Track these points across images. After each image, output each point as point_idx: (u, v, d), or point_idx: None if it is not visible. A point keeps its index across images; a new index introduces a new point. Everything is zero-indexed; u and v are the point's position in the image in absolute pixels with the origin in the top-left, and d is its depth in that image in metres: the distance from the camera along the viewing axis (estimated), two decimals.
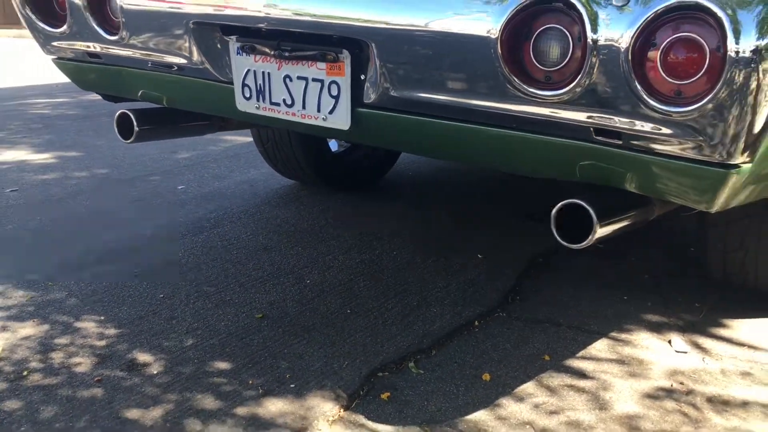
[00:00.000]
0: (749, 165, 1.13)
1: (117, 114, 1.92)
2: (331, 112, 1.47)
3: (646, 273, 2.08)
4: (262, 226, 2.40)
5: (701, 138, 1.08)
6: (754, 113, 1.04)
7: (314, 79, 1.47)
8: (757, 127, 1.07)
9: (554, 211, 1.28)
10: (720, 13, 1.01)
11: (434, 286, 1.96)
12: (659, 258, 2.18)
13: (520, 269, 2.07)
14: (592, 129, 1.20)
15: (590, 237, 1.26)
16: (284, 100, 1.53)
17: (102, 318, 1.74)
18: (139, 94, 1.89)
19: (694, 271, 2.05)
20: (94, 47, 1.81)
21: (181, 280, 1.96)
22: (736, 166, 1.11)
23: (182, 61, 1.66)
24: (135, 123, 1.90)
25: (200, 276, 1.99)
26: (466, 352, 1.64)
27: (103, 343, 1.63)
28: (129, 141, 1.92)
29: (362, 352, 1.61)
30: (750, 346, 1.71)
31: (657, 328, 1.78)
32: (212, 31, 1.58)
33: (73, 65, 1.93)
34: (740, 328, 1.79)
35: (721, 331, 1.78)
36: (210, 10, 1.53)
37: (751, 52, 1.00)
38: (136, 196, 2.71)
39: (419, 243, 2.25)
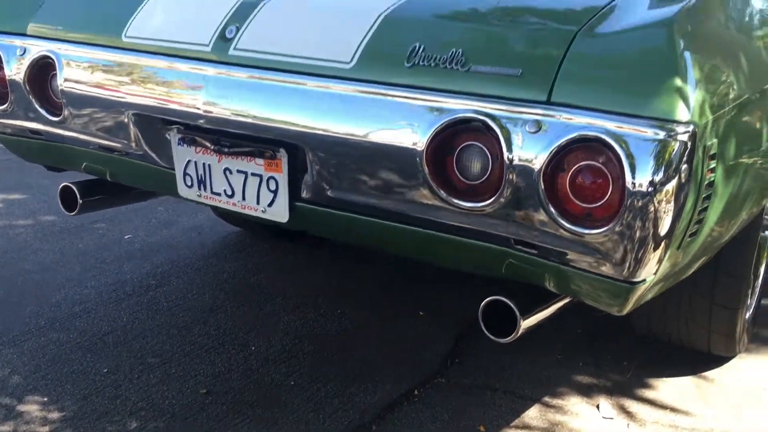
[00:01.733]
0: (654, 276, 1.22)
1: (60, 187, 1.93)
2: (270, 205, 1.52)
3: (580, 329, 2.18)
4: (208, 282, 2.43)
5: (609, 258, 1.17)
6: (655, 237, 1.13)
7: (253, 174, 1.51)
8: (660, 250, 1.16)
9: (481, 306, 1.35)
10: (618, 149, 1.10)
11: (377, 349, 2.02)
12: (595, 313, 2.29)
13: (459, 330, 2.15)
14: (511, 239, 1.28)
15: (515, 333, 1.34)
16: (225, 191, 1.57)
17: (45, 399, 1.75)
18: (83, 167, 1.91)
19: (625, 328, 2.17)
20: (36, 126, 1.82)
21: (125, 350, 1.98)
22: (642, 281, 1.20)
23: (124, 145, 1.69)
24: (78, 196, 1.91)
25: (145, 345, 2.01)
26: (405, 424, 1.71)
27: (46, 429, 1.64)
28: (73, 214, 1.93)
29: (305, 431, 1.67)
30: (672, 409, 1.82)
31: (587, 391, 1.88)
32: (153, 122, 1.61)
33: (14, 140, 1.93)
34: (664, 388, 1.90)
35: (647, 393, 1.88)
36: (150, 103, 1.56)
37: (648, 184, 1.09)
38: (82, 248, 2.70)
39: (365, 300, 2.31)
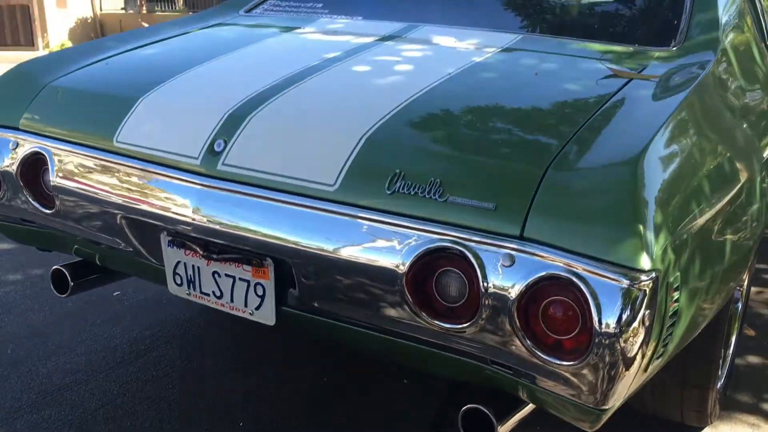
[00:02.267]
0: (623, 398, 1.29)
1: (51, 270, 1.97)
2: (257, 309, 1.58)
3: None
4: (196, 346, 2.47)
5: (579, 388, 1.24)
6: (623, 370, 1.20)
7: (241, 279, 1.57)
8: (627, 379, 1.23)
9: (460, 414, 1.42)
10: (585, 291, 1.17)
11: (358, 421, 2.08)
12: None
13: (443, 396, 2.21)
14: (488, 358, 1.35)
15: None
16: (213, 292, 1.62)
17: None
18: (73, 250, 1.95)
19: None
20: (28, 216, 1.86)
21: (116, 428, 2.02)
22: (612, 406, 1.27)
23: (115, 241, 1.74)
24: (69, 278, 1.96)
25: (135, 423, 2.06)
26: None
27: None
28: (65, 296, 1.98)
29: None
30: None
31: None
32: (144, 223, 1.66)
33: (5, 225, 1.97)
34: None
35: None
36: (141, 208, 1.61)
37: (614, 325, 1.16)
38: (71, 308, 2.74)
39: (349, 365, 2.36)
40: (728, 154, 1.57)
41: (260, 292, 1.56)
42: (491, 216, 1.27)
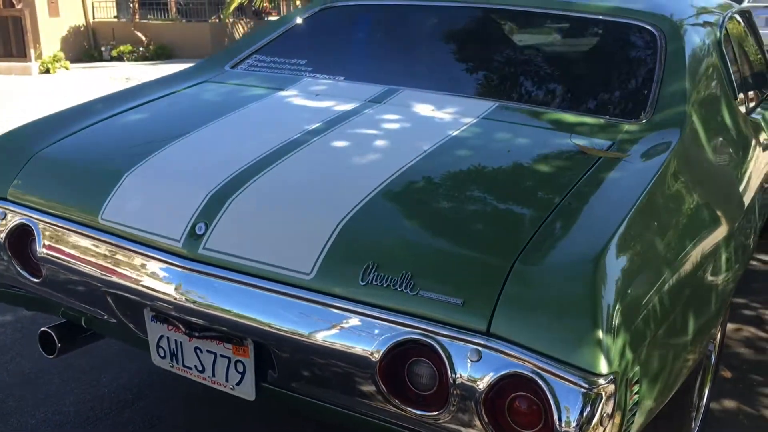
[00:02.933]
0: None
1: (39, 332, 2.02)
2: (238, 384, 1.63)
3: None
4: (182, 394, 2.52)
5: None
6: None
7: (222, 355, 1.62)
8: None
9: None
10: (546, 390, 1.23)
11: None
12: None
13: None
14: None
15: None
16: (195, 366, 1.67)
17: None
18: (60, 312, 2.00)
19: None
20: (15, 283, 1.91)
21: None
22: None
23: (100, 311, 1.79)
24: (57, 340, 2.01)
25: None
26: None
27: None
28: (53, 357, 2.03)
29: None
30: None
31: None
32: (128, 298, 1.71)
33: None
34: None
35: None
36: (125, 284, 1.66)
37: (575, 424, 1.22)
38: None
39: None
40: (694, 235, 1.63)
41: (240, 369, 1.61)
42: (459, 311, 1.33)
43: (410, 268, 1.39)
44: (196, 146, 1.85)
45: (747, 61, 3.19)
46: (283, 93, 2.22)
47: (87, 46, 16.44)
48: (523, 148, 1.79)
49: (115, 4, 17.47)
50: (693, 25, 2.29)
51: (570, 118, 1.93)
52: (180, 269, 1.57)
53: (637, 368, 1.31)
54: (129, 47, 15.51)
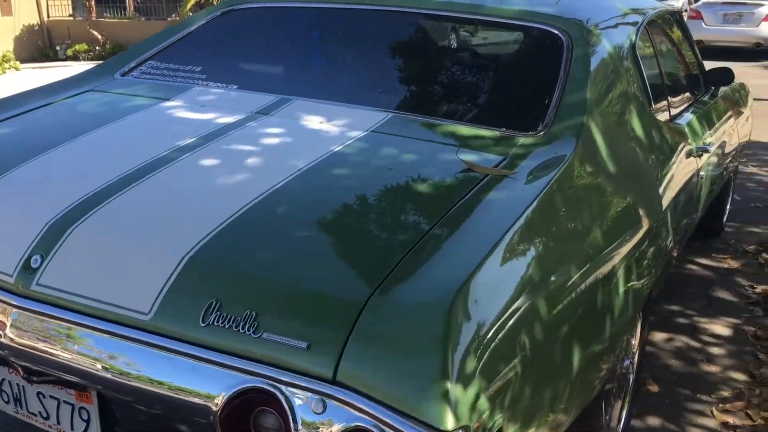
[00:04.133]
0: None
1: None
2: None
3: None
4: None
5: None
6: None
7: (65, 401, 1.46)
8: None
9: None
10: None
11: None
12: None
13: None
14: None
15: None
16: (40, 413, 1.51)
17: None
18: None
19: None
20: None
21: None
22: None
23: None
24: None
25: None
26: None
27: None
28: None
29: None
30: None
31: None
32: None
33: None
34: None
35: None
36: None
37: None
38: None
39: None
40: (583, 257, 1.50)
41: (85, 417, 1.45)
42: (304, 355, 1.19)
43: (255, 306, 1.25)
44: (50, 166, 1.69)
45: (674, 63, 3.11)
46: (167, 104, 2.06)
47: (42, 45, 16.02)
48: (406, 166, 1.65)
49: (70, 2, 17.05)
50: (605, 29, 2.17)
51: (465, 130, 1.80)
52: (12, 307, 1.41)
53: (499, 416, 1.18)
54: (85, 46, 15.12)
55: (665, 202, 2.06)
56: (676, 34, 3.18)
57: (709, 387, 2.72)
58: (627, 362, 2.24)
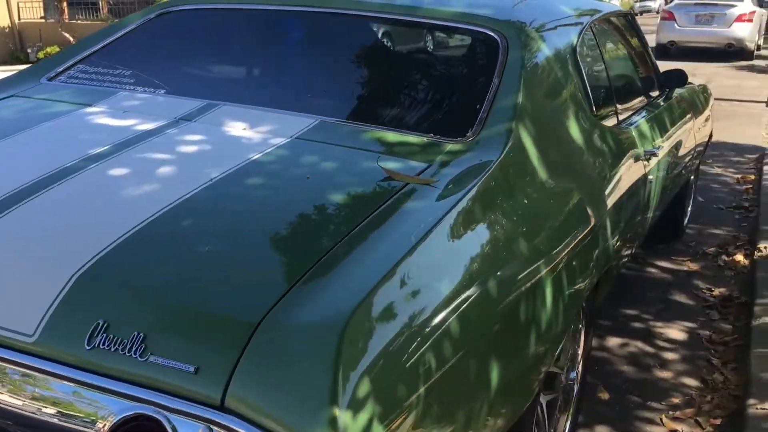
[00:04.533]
0: None
1: None
2: None
3: None
4: None
5: None
6: None
7: None
8: None
9: None
10: None
11: None
12: None
13: None
14: None
15: None
16: None
17: None
18: None
19: None
20: None
21: None
22: None
23: None
24: None
25: None
26: None
27: None
28: None
29: None
30: None
31: None
32: None
33: None
34: None
35: None
36: None
37: None
38: None
39: None
40: (502, 269, 1.44)
41: None
42: (192, 380, 1.12)
43: (143, 328, 1.17)
44: None
45: (625, 67, 3.07)
46: (87, 110, 1.97)
47: (13, 48, 15.81)
48: (324, 175, 1.58)
49: (42, 4, 16.83)
50: (544, 32, 2.12)
51: (392, 137, 1.74)
52: None
53: None
54: (57, 48, 14.90)
55: (605, 206, 2.01)
56: (628, 36, 3.15)
57: (661, 394, 2.68)
58: (573, 374, 2.19)
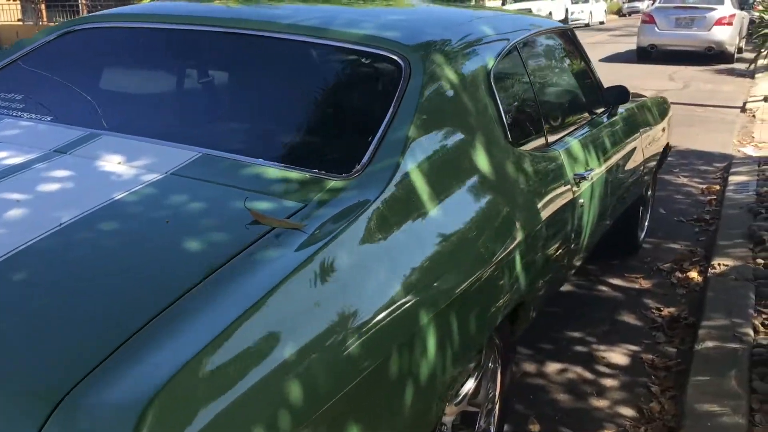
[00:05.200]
0: None
1: None
2: None
3: None
4: None
5: None
6: None
7: None
8: None
9: None
10: None
11: None
12: None
13: None
14: None
15: None
16: None
17: None
18: None
19: None
20: None
21: None
22: None
23: None
24: None
25: None
26: None
27: None
28: None
29: None
30: None
31: None
32: None
33: None
34: None
35: None
36: None
37: None
38: None
39: None
40: (360, 335, 1.29)
41: None
42: None
43: None
44: None
45: (558, 86, 2.97)
46: None
47: None
48: (187, 219, 1.46)
49: (20, 7, 16.66)
50: (454, 55, 2.01)
51: (274, 172, 1.63)
52: None
53: None
54: None
55: (513, 239, 1.91)
56: (566, 54, 3.05)
57: (594, 424, 2.59)
58: (489, 419, 2.09)
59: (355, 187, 1.56)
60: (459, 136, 1.86)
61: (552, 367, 2.95)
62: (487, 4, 31.28)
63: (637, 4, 35.45)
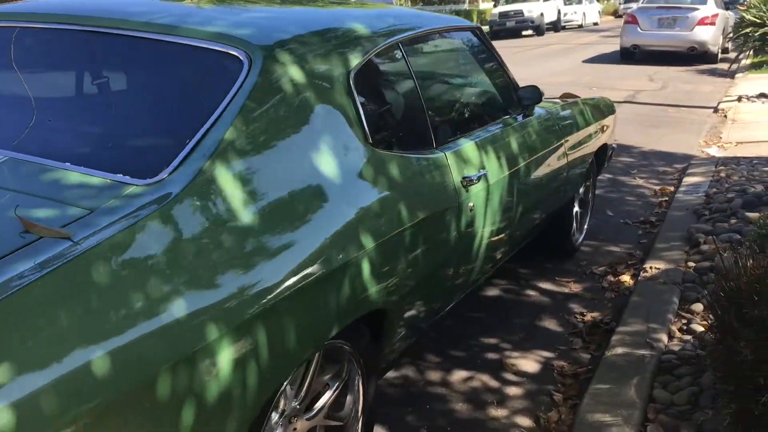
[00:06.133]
0: None
1: None
2: None
3: None
4: None
5: None
6: None
7: None
8: None
9: None
10: None
11: None
12: None
13: None
14: None
15: None
16: None
17: None
18: None
19: None
20: None
21: None
22: None
23: None
24: None
25: None
26: None
27: None
28: None
29: None
30: None
31: None
32: None
33: None
34: None
35: None
36: None
37: None
38: None
39: None
40: (123, 355, 1.21)
41: None
42: None
43: None
44: None
45: (457, 86, 2.88)
46: None
47: None
48: None
49: None
50: (305, 54, 1.92)
51: (75, 177, 1.54)
52: None
53: None
54: None
55: (362, 242, 1.81)
56: (470, 52, 2.96)
57: None
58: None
59: (152, 192, 1.47)
60: (294, 137, 1.77)
61: (457, 376, 2.86)
62: (481, 5, 31.25)
63: (633, 5, 35.35)
